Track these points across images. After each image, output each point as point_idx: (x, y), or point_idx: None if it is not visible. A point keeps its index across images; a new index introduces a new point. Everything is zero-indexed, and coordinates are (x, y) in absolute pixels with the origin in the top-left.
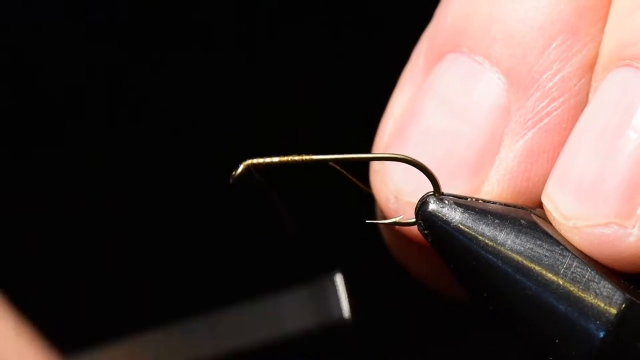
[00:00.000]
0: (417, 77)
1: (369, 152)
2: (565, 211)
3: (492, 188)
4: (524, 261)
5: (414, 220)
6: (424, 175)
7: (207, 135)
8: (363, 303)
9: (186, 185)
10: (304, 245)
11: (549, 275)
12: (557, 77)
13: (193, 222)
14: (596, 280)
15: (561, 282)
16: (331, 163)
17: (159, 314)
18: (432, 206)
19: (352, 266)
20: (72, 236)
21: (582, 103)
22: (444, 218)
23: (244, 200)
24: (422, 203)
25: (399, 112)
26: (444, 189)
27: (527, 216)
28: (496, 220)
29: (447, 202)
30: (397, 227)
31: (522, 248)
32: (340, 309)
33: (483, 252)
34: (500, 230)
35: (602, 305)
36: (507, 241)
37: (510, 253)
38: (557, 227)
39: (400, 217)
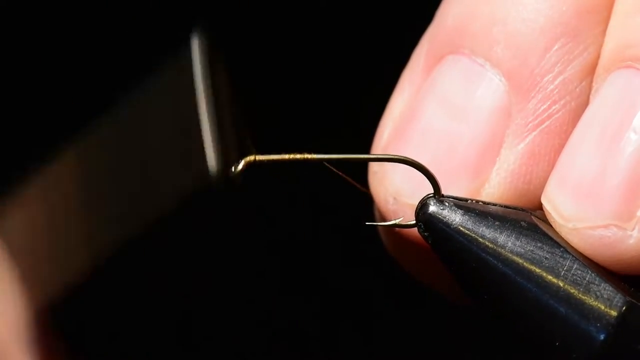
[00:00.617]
0: (417, 77)
1: (368, 152)
2: (565, 213)
3: (493, 190)
4: (525, 263)
5: (414, 222)
6: (423, 177)
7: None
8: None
9: None
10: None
11: (550, 277)
12: (558, 80)
13: None
14: (597, 282)
15: (561, 285)
16: (329, 164)
17: None
18: (433, 208)
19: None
20: None
21: (583, 105)
22: (445, 220)
23: None
24: (423, 205)
25: (398, 113)
26: (444, 189)
27: (528, 218)
28: (496, 222)
29: (447, 204)
30: (396, 229)
31: (523, 250)
32: None
33: (483, 254)
34: (501, 232)
35: (603, 307)
36: (507, 243)
37: (510, 255)
38: (557, 229)
39: (400, 219)
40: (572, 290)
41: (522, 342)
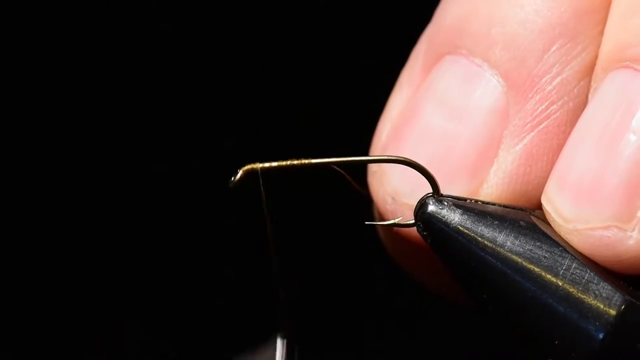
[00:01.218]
0: (415, 77)
1: (366, 152)
2: (565, 214)
3: (491, 191)
4: (524, 262)
5: (413, 221)
6: (422, 177)
7: (207, 138)
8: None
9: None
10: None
11: (549, 276)
12: (556, 81)
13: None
14: (595, 281)
15: (560, 283)
16: (332, 166)
17: None
18: (432, 207)
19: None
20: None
21: (582, 106)
22: (444, 219)
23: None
24: (422, 204)
25: (396, 113)
26: (443, 189)
27: (527, 217)
28: (495, 222)
29: (446, 203)
30: (395, 228)
31: (522, 249)
32: None
33: (482, 254)
34: (500, 232)
35: (602, 306)
36: (506, 242)
37: (509, 254)
38: (556, 229)
39: (399, 218)
40: (571, 289)
41: (521, 341)
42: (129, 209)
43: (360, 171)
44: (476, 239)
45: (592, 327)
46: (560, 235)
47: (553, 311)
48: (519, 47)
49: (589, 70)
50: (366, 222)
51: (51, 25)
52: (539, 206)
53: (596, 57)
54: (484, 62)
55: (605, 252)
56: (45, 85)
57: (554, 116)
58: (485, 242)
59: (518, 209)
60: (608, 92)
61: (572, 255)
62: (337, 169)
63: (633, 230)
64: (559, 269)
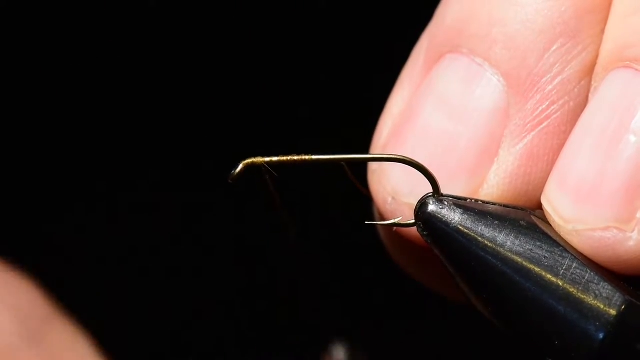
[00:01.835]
0: (416, 76)
1: (367, 151)
2: (565, 214)
3: (491, 191)
4: (524, 262)
5: (413, 221)
6: (422, 176)
7: (206, 133)
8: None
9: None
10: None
11: (549, 276)
12: (557, 80)
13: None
14: (596, 281)
15: (561, 284)
16: (328, 164)
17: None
18: (432, 207)
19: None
20: None
21: (582, 106)
22: (444, 219)
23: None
24: (422, 204)
25: (397, 112)
26: (443, 189)
27: (527, 217)
28: (496, 222)
29: (446, 203)
30: (395, 228)
31: (522, 249)
32: None
33: (482, 254)
34: (500, 232)
35: (602, 306)
36: (506, 242)
37: (509, 254)
38: (556, 230)
39: (399, 218)
40: (571, 289)
41: (521, 341)
42: (129, 207)
43: (360, 170)
44: (476, 239)
45: (592, 327)
46: (560, 235)
47: (553, 311)
48: (519, 46)
49: (590, 70)
50: (366, 222)
51: (50, 21)
52: (540, 206)
53: (597, 56)
54: (485, 61)
55: (605, 253)
56: (38, 79)
57: (555, 116)
58: (486, 242)
59: (519, 209)
60: (608, 92)
61: (572, 255)
62: (342, 164)
63: (633, 231)
64: (559, 269)
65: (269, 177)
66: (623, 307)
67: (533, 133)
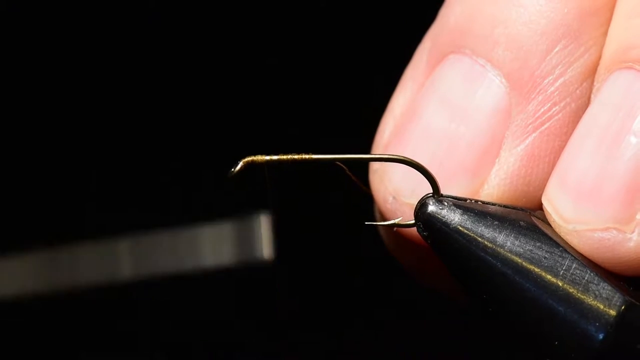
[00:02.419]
0: (419, 76)
1: (368, 150)
2: (565, 214)
3: (492, 191)
4: (524, 263)
5: (413, 221)
6: (423, 177)
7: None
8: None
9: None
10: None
11: (549, 276)
12: (558, 82)
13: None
14: (595, 281)
15: (560, 284)
16: (329, 164)
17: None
18: (432, 208)
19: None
20: None
21: (584, 107)
22: (443, 220)
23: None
24: (422, 204)
25: (399, 111)
26: (443, 189)
27: (527, 218)
28: (495, 222)
29: (446, 203)
30: (396, 228)
31: (522, 250)
32: (261, 250)
33: (482, 254)
34: (500, 232)
35: (602, 306)
36: (506, 243)
37: (509, 255)
38: (556, 230)
39: (400, 218)
40: (571, 290)
41: (521, 342)
42: (128, 206)
43: (362, 169)
44: (476, 239)
45: (592, 328)
46: (560, 236)
47: (553, 312)
48: (521, 47)
49: (592, 72)
50: (366, 222)
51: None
52: (540, 206)
53: (599, 58)
54: (487, 62)
55: (604, 254)
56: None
57: (556, 117)
58: (485, 243)
59: (518, 209)
60: (610, 93)
61: (572, 255)
62: (340, 164)
63: (633, 232)
64: (559, 269)
65: (269, 176)
66: (623, 307)
67: (534, 134)
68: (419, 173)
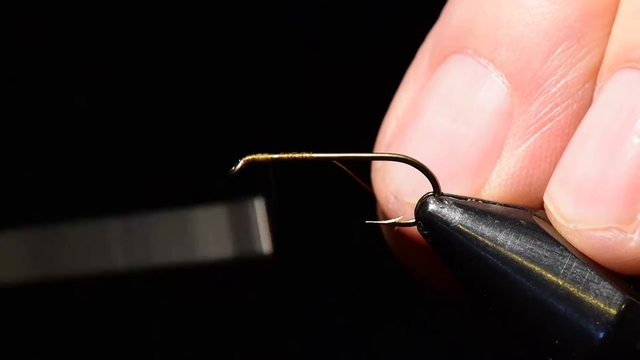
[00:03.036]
0: (421, 76)
1: (371, 149)
2: (566, 213)
3: (494, 191)
4: (524, 262)
5: (414, 220)
6: (424, 176)
7: (208, 130)
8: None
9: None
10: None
11: (549, 275)
12: (561, 83)
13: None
14: (596, 280)
15: (561, 283)
16: (330, 162)
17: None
18: (432, 207)
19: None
20: None
21: (585, 108)
22: (444, 218)
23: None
24: (422, 203)
25: (402, 111)
26: (445, 189)
27: (527, 217)
28: (496, 221)
29: (447, 202)
30: (397, 227)
31: (522, 248)
32: (257, 237)
33: (483, 253)
34: (500, 231)
35: (602, 305)
36: (507, 242)
37: (510, 253)
38: (557, 229)
39: (400, 217)
40: (571, 289)
41: (521, 341)
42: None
43: (364, 168)
44: (477, 238)
45: (592, 327)
46: (561, 235)
47: (553, 310)
48: (524, 48)
49: (594, 73)
50: (367, 221)
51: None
52: (541, 206)
53: (601, 60)
54: (490, 62)
55: (605, 254)
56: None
57: (558, 118)
58: (486, 242)
59: (519, 208)
60: (613, 92)
61: (572, 254)
62: (339, 164)
63: (634, 232)
64: (560, 268)
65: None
66: (623, 306)
67: (536, 135)
68: (421, 172)
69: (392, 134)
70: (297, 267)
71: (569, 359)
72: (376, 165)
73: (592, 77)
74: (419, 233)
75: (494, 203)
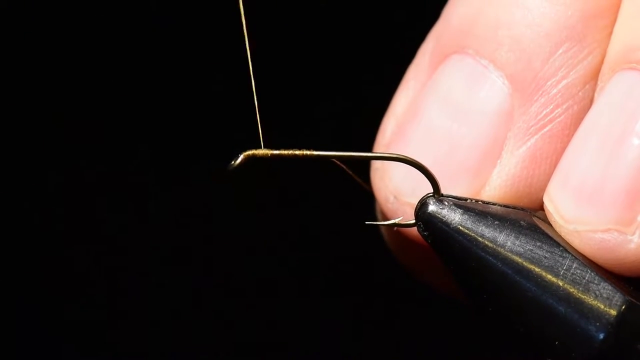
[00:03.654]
0: (421, 75)
1: (371, 149)
2: (566, 214)
3: (493, 192)
4: (524, 262)
5: (414, 221)
6: (424, 176)
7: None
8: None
9: None
10: None
11: (549, 276)
12: (561, 84)
13: None
14: (596, 281)
15: (561, 284)
16: (330, 161)
17: None
18: (432, 207)
19: None
20: None
21: (586, 109)
22: (444, 219)
23: None
24: (422, 204)
25: (401, 111)
26: (444, 190)
27: (527, 218)
28: (496, 222)
29: (446, 203)
30: (396, 228)
31: (522, 249)
32: None
33: (483, 254)
34: (500, 232)
35: (602, 306)
36: (507, 242)
37: (510, 254)
38: (557, 230)
39: (400, 218)
40: (571, 290)
41: (521, 342)
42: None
43: (364, 167)
44: (476, 239)
45: (592, 328)
46: (561, 236)
47: (553, 311)
48: (525, 49)
49: (595, 74)
50: (366, 222)
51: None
52: (541, 207)
53: (602, 61)
54: (490, 63)
55: (605, 255)
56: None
57: (558, 119)
58: (486, 242)
59: (519, 209)
60: (613, 93)
61: (572, 255)
62: (338, 163)
63: (634, 234)
64: (560, 269)
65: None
66: (623, 307)
67: (536, 136)
68: (420, 173)
69: (391, 133)
70: (297, 265)
71: None
72: (375, 164)
73: (593, 78)
74: (418, 234)
75: (494, 204)
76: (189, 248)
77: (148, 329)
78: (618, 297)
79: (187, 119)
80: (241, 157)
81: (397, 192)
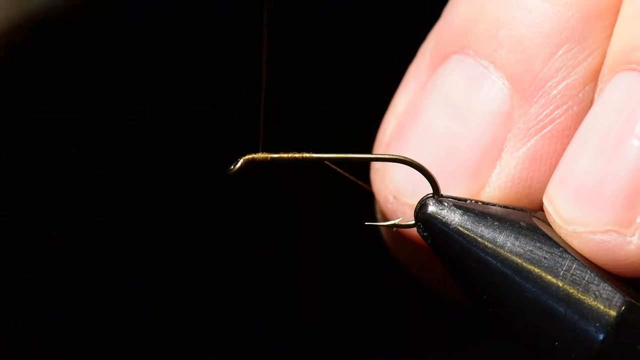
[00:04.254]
0: (421, 75)
1: (370, 148)
2: (566, 215)
3: (493, 193)
4: (524, 263)
5: (414, 222)
6: (424, 177)
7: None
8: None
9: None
10: None
11: (549, 277)
12: (561, 85)
13: None
14: (596, 282)
15: (561, 285)
16: (330, 162)
17: None
18: (432, 208)
19: None
20: None
21: (586, 110)
22: (444, 220)
23: None
24: (422, 205)
25: (401, 111)
26: (444, 190)
27: (527, 218)
28: (496, 223)
29: (446, 204)
30: (396, 228)
31: (522, 250)
32: None
33: (482, 254)
34: (500, 233)
35: (602, 307)
36: (506, 243)
37: (509, 255)
38: (557, 230)
39: (400, 219)
40: (571, 290)
41: (521, 342)
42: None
43: (364, 168)
44: (476, 240)
45: (592, 328)
46: (560, 237)
47: (553, 312)
48: (525, 50)
49: (595, 75)
50: (366, 223)
51: None
52: (541, 208)
53: (602, 62)
54: (490, 63)
55: (604, 256)
56: None
57: (558, 120)
58: (486, 243)
59: (519, 210)
60: (613, 94)
61: (572, 256)
62: (336, 168)
63: (633, 235)
64: (559, 270)
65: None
66: (623, 308)
67: (536, 137)
68: (420, 173)
69: (391, 133)
70: (295, 268)
71: None
72: (375, 165)
73: (593, 79)
74: (418, 234)
75: (494, 205)
76: (188, 248)
77: (148, 329)
78: (618, 298)
79: (187, 119)
80: (240, 161)
81: (397, 193)
